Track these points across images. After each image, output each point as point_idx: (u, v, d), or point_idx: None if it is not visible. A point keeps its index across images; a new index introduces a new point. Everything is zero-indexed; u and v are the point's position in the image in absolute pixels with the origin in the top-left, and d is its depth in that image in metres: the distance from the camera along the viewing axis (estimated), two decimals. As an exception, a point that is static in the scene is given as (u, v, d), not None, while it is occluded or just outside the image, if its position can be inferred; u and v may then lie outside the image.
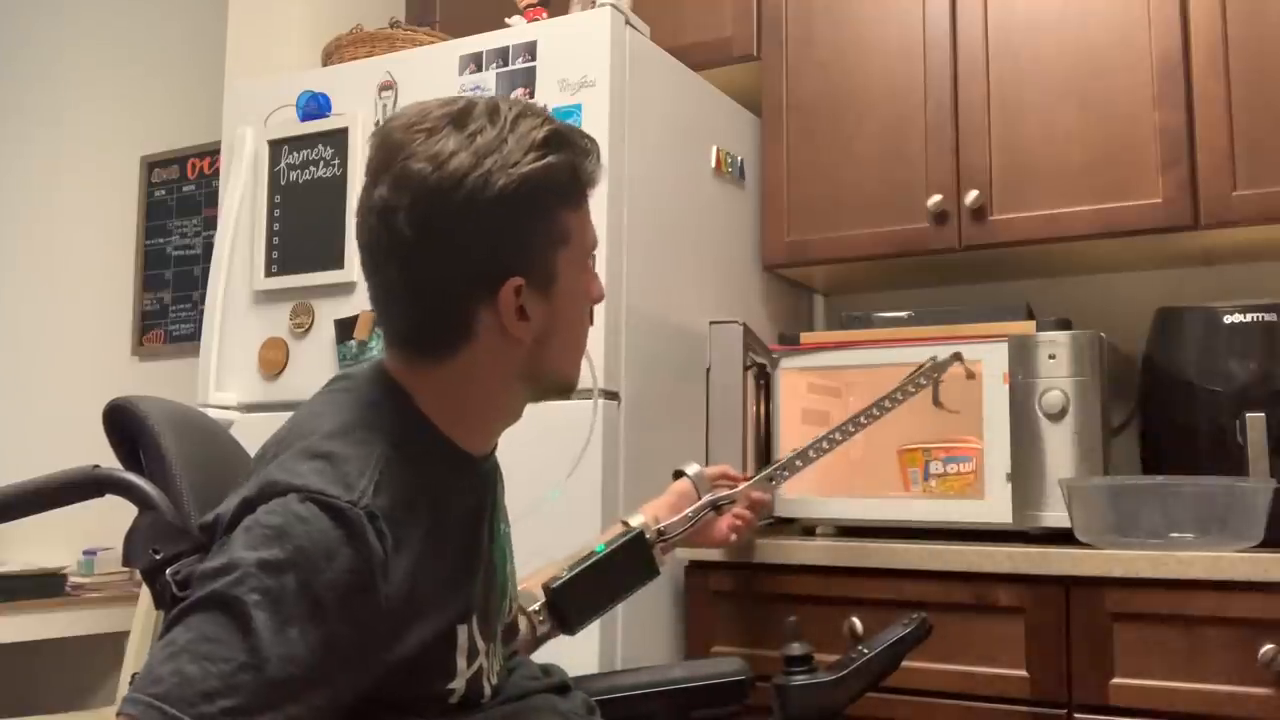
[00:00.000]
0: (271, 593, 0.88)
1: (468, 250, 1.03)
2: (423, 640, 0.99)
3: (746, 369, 1.96)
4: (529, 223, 1.05)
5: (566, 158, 1.07)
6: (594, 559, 1.39)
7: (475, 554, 1.09)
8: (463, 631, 1.04)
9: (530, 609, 1.36)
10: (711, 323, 1.98)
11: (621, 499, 1.83)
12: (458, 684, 1.04)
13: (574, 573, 1.37)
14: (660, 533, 1.49)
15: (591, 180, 1.11)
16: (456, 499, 1.07)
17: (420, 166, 1.01)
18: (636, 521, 1.47)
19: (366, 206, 1.06)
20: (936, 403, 1.80)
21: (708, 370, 1.97)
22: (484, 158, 1.02)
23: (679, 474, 1.65)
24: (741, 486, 1.62)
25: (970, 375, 1.82)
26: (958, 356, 1.80)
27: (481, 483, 1.14)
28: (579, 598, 1.37)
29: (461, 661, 1.04)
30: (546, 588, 1.36)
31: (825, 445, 1.72)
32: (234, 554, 0.91)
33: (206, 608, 0.88)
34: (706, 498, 1.57)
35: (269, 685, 0.86)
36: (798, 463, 1.71)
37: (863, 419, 1.73)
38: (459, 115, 1.04)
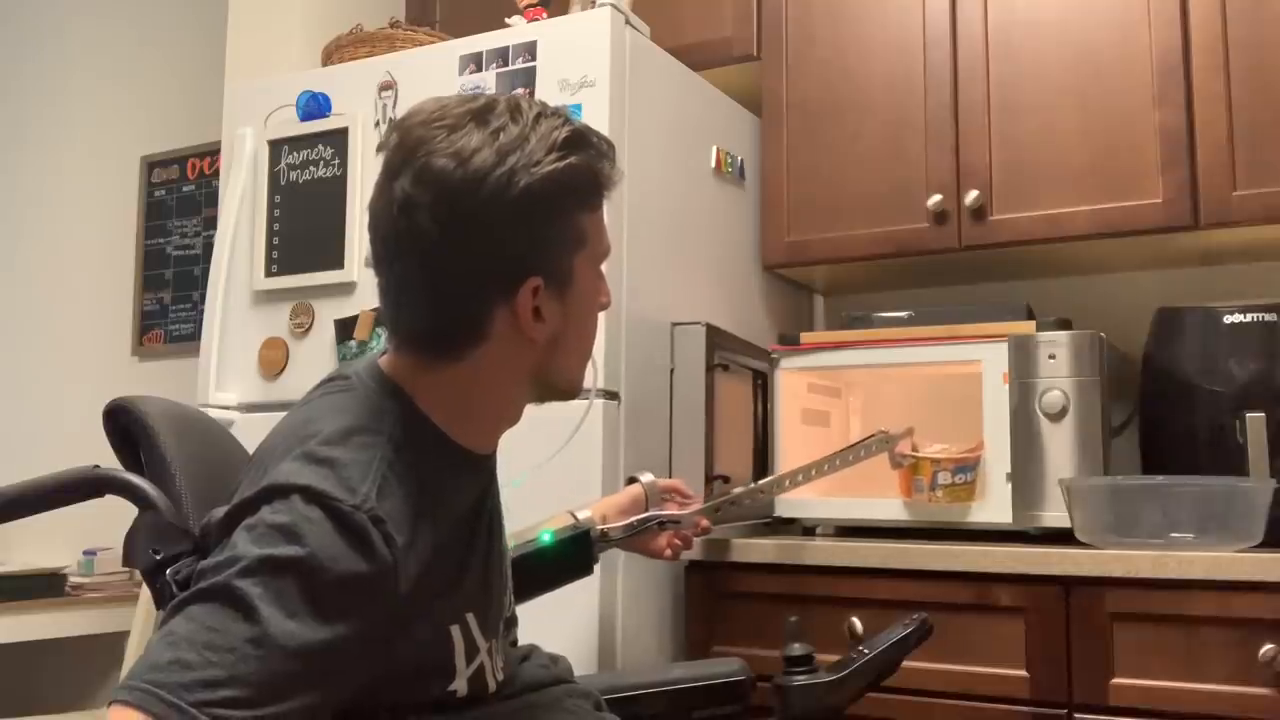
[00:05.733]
0: (275, 587, 0.88)
1: (489, 248, 1.02)
2: (423, 640, 0.99)
3: (710, 369, 1.97)
4: (549, 223, 1.05)
5: (587, 160, 1.07)
6: (539, 547, 1.39)
7: (475, 553, 1.09)
8: (458, 632, 1.04)
9: None
10: (674, 324, 1.99)
11: (622, 499, 1.83)
12: (458, 684, 1.04)
13: (517, 555, 1.35)
14: (604, 533, 1.49)
15: (610, 183, 1.11)
16: (459, 500, 1.07)
17: (444, 163, 1.01)
18: (585, 517, 1.48)
19: (386, 200, 1.04)
20: (895, 465, 1.91)
21: (671, 372, 1.97)
22: (507, 155, 1.01)
23: (633, 480, 1.64)
24: (689, 511, 1.62)
25: (915, 450, 1.91)
26: (909, 431, 1.92)
27: (484, 480, 1.14)
28: (515, 580, 1.35)
29: (461, 661, 1.04)
30: None
31: (787, 483, 1.76)
32: (237, 549, 0.90)
33: (209, 599, 0.88)
34: (654, 512, 1.58)
35: (272, 677, 0.85)
36: (746, 501, 1.72)
37: (814, 471, 1.77)
38: (480, 111, 1.04)
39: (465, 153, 1.01)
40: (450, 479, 1.06)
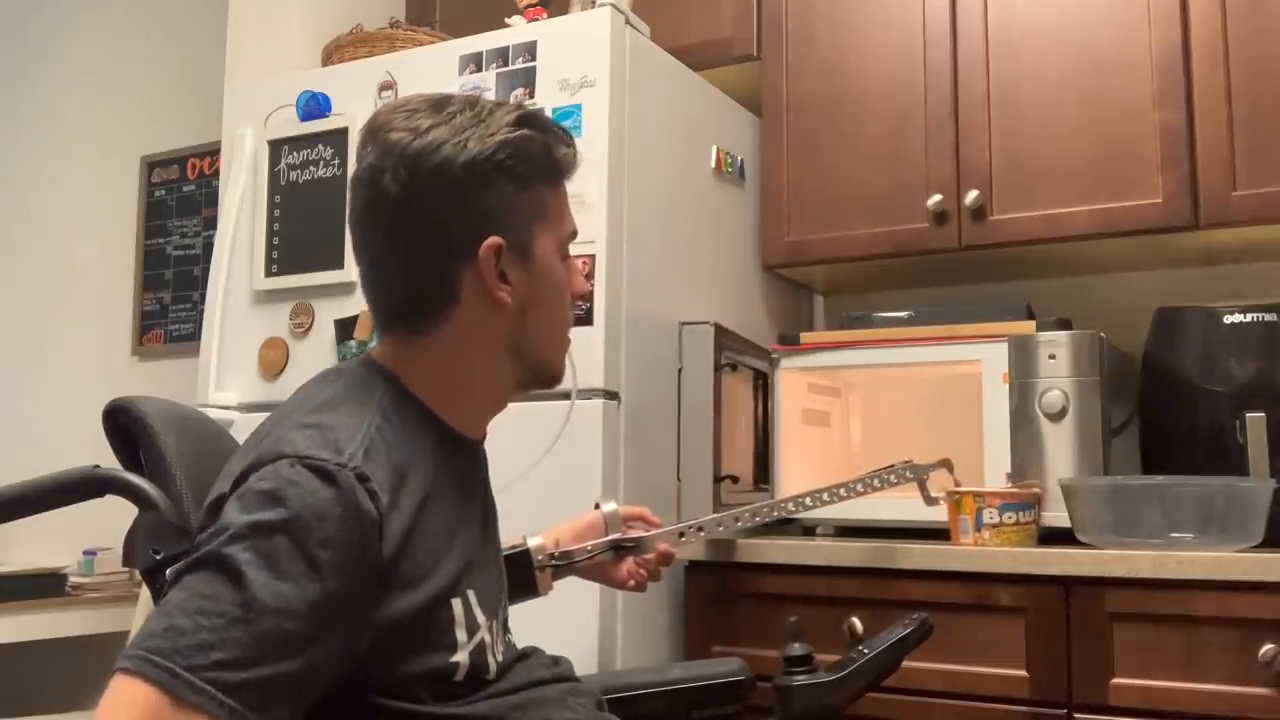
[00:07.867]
0: (264, 551, 0.90)
1: (448, 210, 1.09)
2: (416, 606, 1.00)
3: (718, 369, 1.96)
4: (506, 187, 1.11)
5: (542, 136, 1.13)
6: None
7: (467, 528, 1.12)
8: (457, 604, 1.05)
9: None
10: (682, 324, 1.99)
11: (621, 499, 1.82)
12: (460, 657, 1.04)
13: None
14: (553, 556, 1.46)
15: (566, 164, 1.16)
16: (448, 471, 1.10)
17: (401, 135, 1.09)
18: (534, 543, 1.45)
19: (354, 178, 1.13)
20: (929, 502, 1.74)
21: (679, 371, 1.97)
22: (461, 131, 1.10)
23: (598, 507, 1.58)
24: (648, 535, 1.55)
25: (956, 484, 1.77)
26: (945, 463, 1.76)
27: (473, 466, 1.17)
28: None
29: (462, 634, 1.05)
30: None
31: (755, 516, 1.69)
32: (227, 518, 0.93)
33: (200, 567, 0.91)
34: (611, 536, 1.52)
35: (262, 639, 0.87)
36: (720, 527, 1.65)
37: (809, 500, 1.71)
38: (440, 102, 1.13)
39: (422, 128, 1.09)
40: (440, 453, 1.09)
